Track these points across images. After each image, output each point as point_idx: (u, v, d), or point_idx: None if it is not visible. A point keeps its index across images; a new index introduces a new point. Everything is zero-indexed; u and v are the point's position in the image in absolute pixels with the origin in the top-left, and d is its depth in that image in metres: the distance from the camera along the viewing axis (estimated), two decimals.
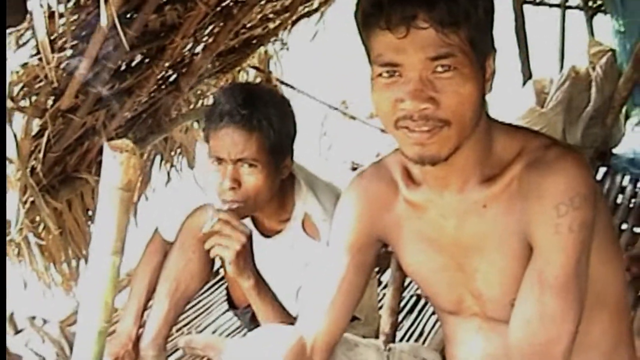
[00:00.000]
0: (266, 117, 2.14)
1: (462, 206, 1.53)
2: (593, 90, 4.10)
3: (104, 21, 2.10)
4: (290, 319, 2.06)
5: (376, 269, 2.67)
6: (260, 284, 2.11)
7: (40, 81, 2.35)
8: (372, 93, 1.42)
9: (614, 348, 1.61)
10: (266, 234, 2.39)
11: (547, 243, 1.42)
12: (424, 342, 2.84)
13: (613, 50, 4.28)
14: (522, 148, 1.50)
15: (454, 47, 1.35)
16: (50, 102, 2.46)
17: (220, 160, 2.16)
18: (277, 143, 2.17)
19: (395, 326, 2.28)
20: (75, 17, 2.25)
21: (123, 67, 2.70)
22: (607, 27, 4.43)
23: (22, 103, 2.38)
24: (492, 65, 1.45)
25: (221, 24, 3.05)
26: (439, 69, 1.36)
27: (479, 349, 1.64)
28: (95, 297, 1.34)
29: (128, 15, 2.42)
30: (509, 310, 1.50)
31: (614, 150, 4.30)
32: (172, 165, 3.51)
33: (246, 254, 2.01)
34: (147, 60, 2.77)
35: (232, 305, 2.78)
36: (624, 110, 4.25)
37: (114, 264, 1.32)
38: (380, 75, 1.40)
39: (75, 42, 2.28)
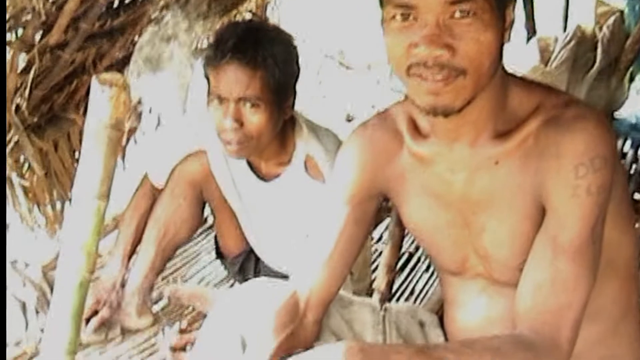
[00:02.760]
0: (271, 54, 2.07)
1: (473, 161, 1.44)
2: (599, 50, 4.00)
3: None
4: None
5: None
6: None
7: (28, 14, 2.24)
8: (384, 36, 1.33)
9: (623, 316, 1.54)
10: (264, 177, 2.32)
11: (563, 205, 1.34)
12: (414, 302, 2.79)
13: (621, 11, 4.18)
14: (539, 104, 1.42)
15: None
16: (38, 36, 2.36)
17: (221, 98, 2.08)
18: (282, 82, 2.10)
19: (391, 284, 2.21)
20: None
21: (116, 4, 2.60)
22: None
23: (8, 36, 2.28)
24: (512, 14, 1.37)
25: None
26: (458, 14, 1.27)
27: (482, 311, 1.57)
28: (77, 245, 1.25)
29: None
30: (516, 273, 1.43)
31: (616, 114, 4.22)
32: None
33: None
34: None
35: (220, 254, 2.72)
36: (628, 73, 4.17)
37: (98, 209, 1.22)
38: (393, 17, 1.31)
39: None
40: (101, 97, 1.14)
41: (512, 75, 1.45)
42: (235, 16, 3.72)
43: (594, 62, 4.04)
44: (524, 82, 1.47)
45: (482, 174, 1.44)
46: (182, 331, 2.20)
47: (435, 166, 1.50)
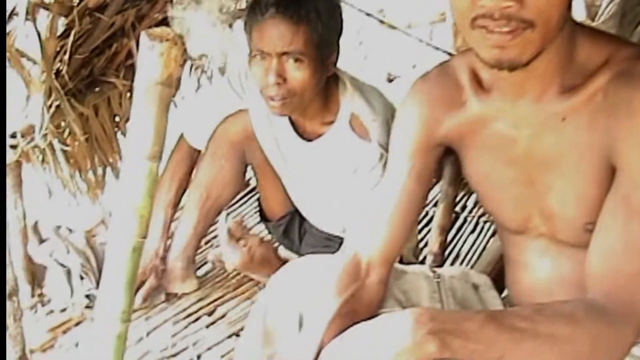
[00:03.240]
0: (314, 8, 2.02)
1: (538, 117, 1.37)
2: None
3: None
4: None
5: None
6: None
7: None
8: None
9: None
10: (307, 137, 2.27)
11: (636, 165, 1.26)
12: (461, 264, 2.73)
13: None
14: (609, 57, 1.33)
15: None
16: None
17: (264, 54, 2.03)
18: (325, 37, 2.05)
19: (444, 245, 2.14)
20: None
21: None
22: None
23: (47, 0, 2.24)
24: None
25: None
26: None
27: (545, 273, 1.51)
28: (129, 209, 1.20)
29: None
30: (581, 234, 1.37)
31: None
32: (202, 72, 3.37)
33: None
34: None
35: (263, 217, 2.69)
36: None
37: (150, 171, 1.17)
38: None
39: None
40: (151, 53, 1.08)
41: (581, 26, 1.37)
42: None
43: None
44: (593, 33, 1.39)
45: (548, 131, 1.38)
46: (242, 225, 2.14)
47: (498, 122, 1.43)
